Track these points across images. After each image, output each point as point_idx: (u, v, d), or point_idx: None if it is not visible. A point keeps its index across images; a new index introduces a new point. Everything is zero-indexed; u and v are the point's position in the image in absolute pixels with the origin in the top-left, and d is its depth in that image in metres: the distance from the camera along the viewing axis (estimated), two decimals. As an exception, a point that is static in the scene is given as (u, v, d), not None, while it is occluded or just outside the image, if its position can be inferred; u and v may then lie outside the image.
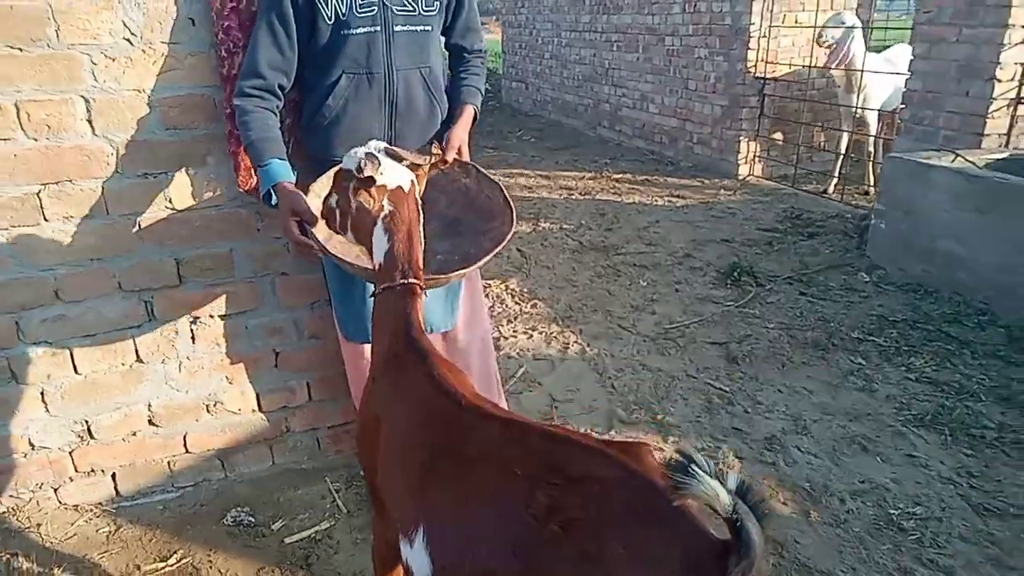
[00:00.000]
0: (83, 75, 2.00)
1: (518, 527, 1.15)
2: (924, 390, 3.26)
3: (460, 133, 2.12)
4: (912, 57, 5.21)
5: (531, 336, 3.97)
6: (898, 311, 4.05)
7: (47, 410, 2.34)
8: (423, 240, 1.75)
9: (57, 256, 2.17)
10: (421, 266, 1.70)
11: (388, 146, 1.78)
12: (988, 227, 3.98)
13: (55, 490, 2.45)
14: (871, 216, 4.94)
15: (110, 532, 2.43)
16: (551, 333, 3.99)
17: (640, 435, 3.00)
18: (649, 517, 1.05)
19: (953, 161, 4.37)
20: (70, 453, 2.42)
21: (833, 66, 6.24)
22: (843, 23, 6.05)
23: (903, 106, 5.36)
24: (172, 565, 2.29)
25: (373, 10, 1.97)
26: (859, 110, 6.29)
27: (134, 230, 2.22)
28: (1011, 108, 4.72)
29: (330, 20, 1.95)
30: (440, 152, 2.12)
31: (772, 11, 6.79)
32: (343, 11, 1.95)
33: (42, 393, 2.33)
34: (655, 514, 1.04)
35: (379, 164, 1.65)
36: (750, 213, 6.08)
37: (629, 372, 3.53)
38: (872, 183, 6.44)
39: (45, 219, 2.12)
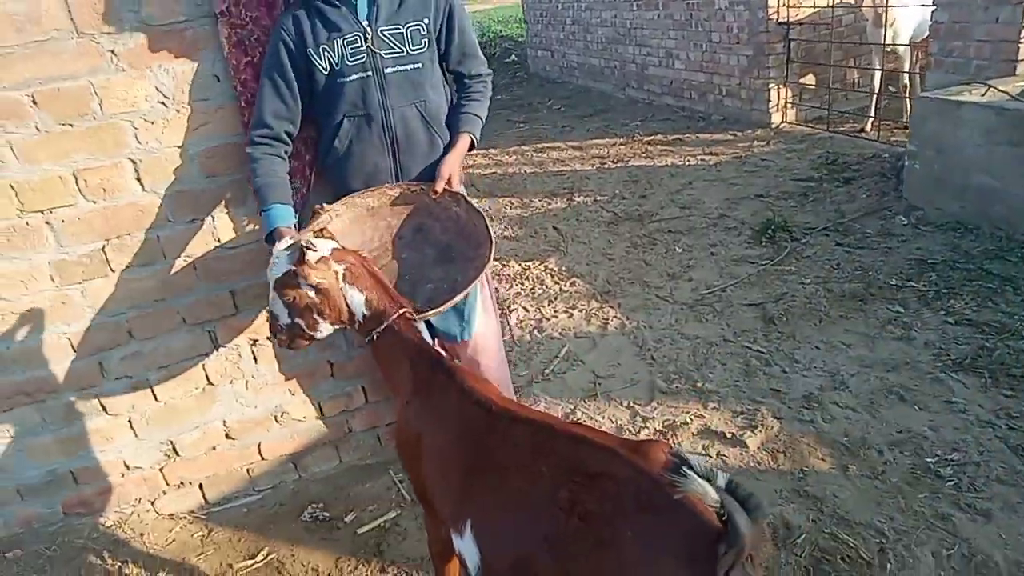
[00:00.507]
0: (128, 140, 2.21)
1: (547, 519, 1.32)
2: (964, 333, 3.28)
3: (451, 163, 2.23)
4: (937, -14, 5.06)
5: (571, 315, 4.11)
6: (937, 252, 4.04)
7: (136, 435, 2.61)
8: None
9: (126, 301, 2.41)
10: (400, 297, 1.87)
11: (286, 228, 2.05)
12: (1022, 159, 3.91)
13: (152, 503, 2.73)
14: (906, 156, 4.87)
15: (203, 536, 2.70)
16: (591, 310, 4.12)
17: (680, 404, 3.13)
18: (654, 508, 1.20)
19: (985, 94, 4.28)
20: (160, 470, 2.69)
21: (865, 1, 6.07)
22: None
23: (931, 39, 5.22)
24: (260, 562, 2.55)
25: (363, 58, 2.12)
26: (890, 45, 6.14)
27: (191, 270, 2.44)
28: (1045, 30, 4.56)
29: (325, 71, 2.12)
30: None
31: (792, -48, 6.63)
32: (336, 61, 2.11)
33: (129, 421, 2.60)
34: (659, 506, 1.20)
35: (311, 244, 1.77)
36: (784, 163, 6.03)
37: (668, 342, 3.65)
38: (910, 117, 6.29)
39: (111, 270, 2.36)
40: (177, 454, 2.69)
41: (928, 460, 2.59)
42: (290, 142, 2.21)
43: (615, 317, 4.00)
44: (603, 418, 3.13)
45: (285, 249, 1.83)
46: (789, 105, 7.17)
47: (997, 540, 2.24)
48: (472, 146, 2.34)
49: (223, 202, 2.40)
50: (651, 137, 7.51)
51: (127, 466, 2.65)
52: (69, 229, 2.26)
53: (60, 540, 2.63)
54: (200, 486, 2.77)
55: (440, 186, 2.19)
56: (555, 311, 4.19)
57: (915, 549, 2.24)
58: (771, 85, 7.03)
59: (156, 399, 2.58)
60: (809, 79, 7.15)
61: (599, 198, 5.94)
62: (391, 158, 2.24)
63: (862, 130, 6.45)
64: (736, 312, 3.83)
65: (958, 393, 2.91)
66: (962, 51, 4.94)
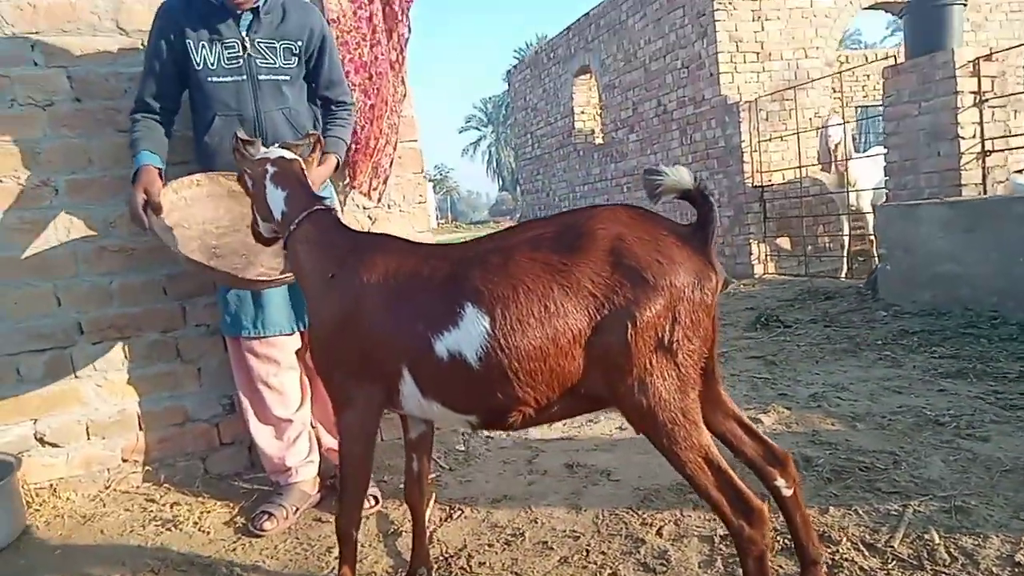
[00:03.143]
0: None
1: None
2: (948, 362, 3.63)
3: (319, 174, 2.41)
4: (885, 135, 6.04)
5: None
6: (917, 327, 4.47)
7: (200, 385, 2.83)
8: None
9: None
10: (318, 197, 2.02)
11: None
12: (978, 243, 4.51)
13: (203, 460, 2.85)
14: (878, 267, 5.48)
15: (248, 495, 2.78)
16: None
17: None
18: (644, 218, 1.59)
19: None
20: (216, 425, 2.86)
21: (838, 160, 6.97)
22: (840, 123, 6.95)
23: (887, 177, 6.09)
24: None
25: (239, 63, 2.38)
26: (855, 206, 7.03)
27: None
28: (979, 160, 5.43)
29: (198, 66, 2.35)
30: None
31: (759, 129, 7.82)
32: (211, 61, 2.36)
33: (199, 370, 2.83)
34: (647, 217, 1.60)
35: (248, 138, 2.03)
36: (771, 293, 6.63)
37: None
38: (875, 225, 6.98)
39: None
40: (234, 411, 2.87)
41: (928, 415, 2.84)
42: (171, 119, 2.46)
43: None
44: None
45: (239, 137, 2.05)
46: (769, 259, 7.95)
47: (997, 449, 2.45)
48: (338, 165, 2.58)
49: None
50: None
51: (188, 417, 2.82)
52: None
53: (114, 485, 2.72)
54: (249, 448, 2.90)
55: None
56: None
57: (925, 459, 2.44)
58: (752, 240, 7.86)
59: (225, 350, 2.82)
60: (784, 242, 8.02)
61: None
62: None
63: (837, 272, 7.15)
64: (740, 361, 4.16)
65: (948, 387, 3.21)
66: (914, 183, 5.77)
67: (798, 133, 7.64)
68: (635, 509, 2.33)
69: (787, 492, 1.73)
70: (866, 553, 1.92)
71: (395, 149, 3.06)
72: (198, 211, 2.42)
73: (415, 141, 3.17)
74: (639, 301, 1.48)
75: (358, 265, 1.77)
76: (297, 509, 2.50)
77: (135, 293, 2.75)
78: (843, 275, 7.07)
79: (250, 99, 2.41)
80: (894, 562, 1.86)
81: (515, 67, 15.01)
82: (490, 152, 46.39)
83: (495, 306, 1.54)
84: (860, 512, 2.13)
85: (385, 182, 3.04)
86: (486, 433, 3.29)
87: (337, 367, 1.77)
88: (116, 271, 2.72)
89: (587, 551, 2.12)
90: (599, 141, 11.70)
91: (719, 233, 7.84)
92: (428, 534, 2.29)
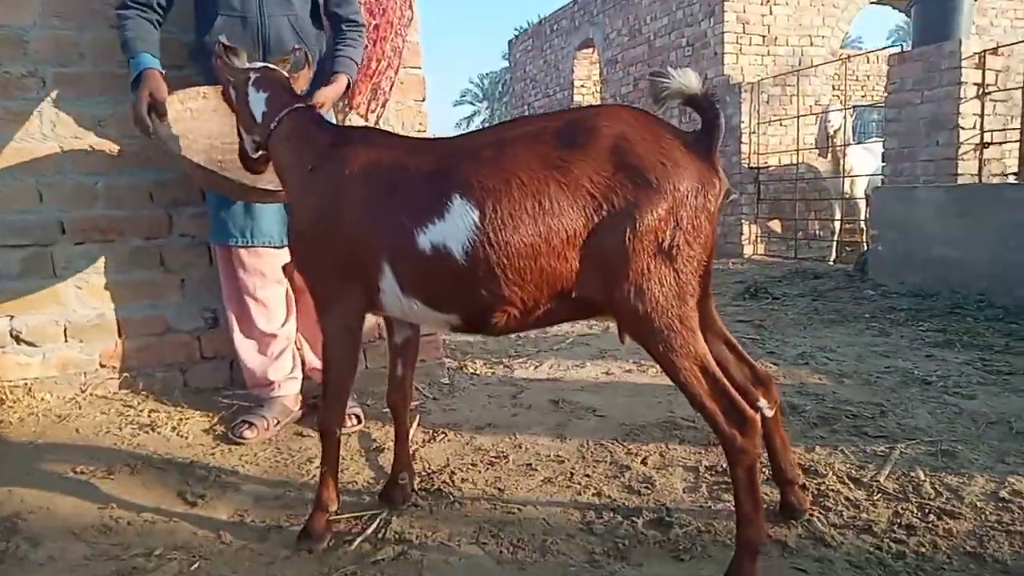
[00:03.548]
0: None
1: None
2: (935, 335, 3.64)
3: (327, 93, 2.36)
4: (886, 121, 6.03)
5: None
6: (905, 305, 4.47)
7: (183, 296, 2.76)
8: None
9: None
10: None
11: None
12: (972, 227, 4.52)
13: (183, 372, 2.79)
14: (868, 249, 5.49)
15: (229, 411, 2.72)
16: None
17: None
18: (649, 121, 1.54)
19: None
20: (198, 338, 2.80)
21: (836, 146, 6.98)
22: (840, 109, 6.95)
23: (884, 164, 6.10)
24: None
25: None
26: (848, 193, 7.04)
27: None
28: (977, 151, 5.44)
29: None
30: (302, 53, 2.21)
31: (759, 112, 7.80)
32: None
33: (182, 281, 2.76)
34: (651, 119, 1.55)
35: (229, 43, 1.98)
36: (759, 271, 6.62)
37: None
38: (870, 207, 7.02)
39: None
40: (217, 325, 2.81)
41: (916, 375, 2.84)
42: (163, 16, 2.36)
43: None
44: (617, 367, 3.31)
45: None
46: (759, 240, 7.96)
47: (984, 406, 2.46)
48: (348, 86, 2.48)
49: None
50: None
51: (169, 327, 2.76)
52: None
53: (91, 390, 2.66)
54: (231, 365, 2.84)
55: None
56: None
57: (912, 410, 2.45)
58: (743, 221, 7.86)
59: (211, 263, 2.76)
60: (775, 225, 8.03)
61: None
62: (260, 58, 2.25)
63: (825, 258, 7.17)
64: (728, 325, 4.12)
65: (935, 355, 3.22)
66: (910, 171, 5.78)
67: (798, 118, 7.63)
68: (620, 441, 2.31)
69: (768, 413, 1.72)
70: (851, 486, 1.91)
71: (396, 73, 2.98)
72: (203, 125, 2.36)
73: (419, 68, 3.10)
74: (640, 203, 1.44)
75: (339, 157, 1.71)
76: (278, 422, 2.46)
77: (121, 196, 2.67)
78: (831, 260, 7.09)
79: (255, 1, 2.35)
80: (879, 494, 1.85)
81: (517, 37, 14.84)
82: (483, 127, 46.20)
83: (486, 199, 1.49)
84: (846, 452, 2.13)
85: (384, 105, 2.97)
86: (471, 369, 3.25)
87: (318, 264, 1.72)
88: (102, 172, 2.64)
89: (571, 473, 2.09)
90: (597, 117, 11.61)
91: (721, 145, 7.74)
92: (411, 452, 2.27)
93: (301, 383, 2.61)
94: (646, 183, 1.44)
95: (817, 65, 8.11)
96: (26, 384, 2.60)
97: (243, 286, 2.46)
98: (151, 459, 2.20)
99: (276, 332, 2.52)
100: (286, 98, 1.91)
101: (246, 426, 2.37)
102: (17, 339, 2.59)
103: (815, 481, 1.93)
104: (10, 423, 2.43)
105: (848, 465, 2.03)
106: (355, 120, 2.97)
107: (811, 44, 8.51)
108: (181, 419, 2.50)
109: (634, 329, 1.50)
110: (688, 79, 1.47)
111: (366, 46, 2.86)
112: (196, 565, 1.64)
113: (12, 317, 2.58)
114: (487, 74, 46.92)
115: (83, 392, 2.65)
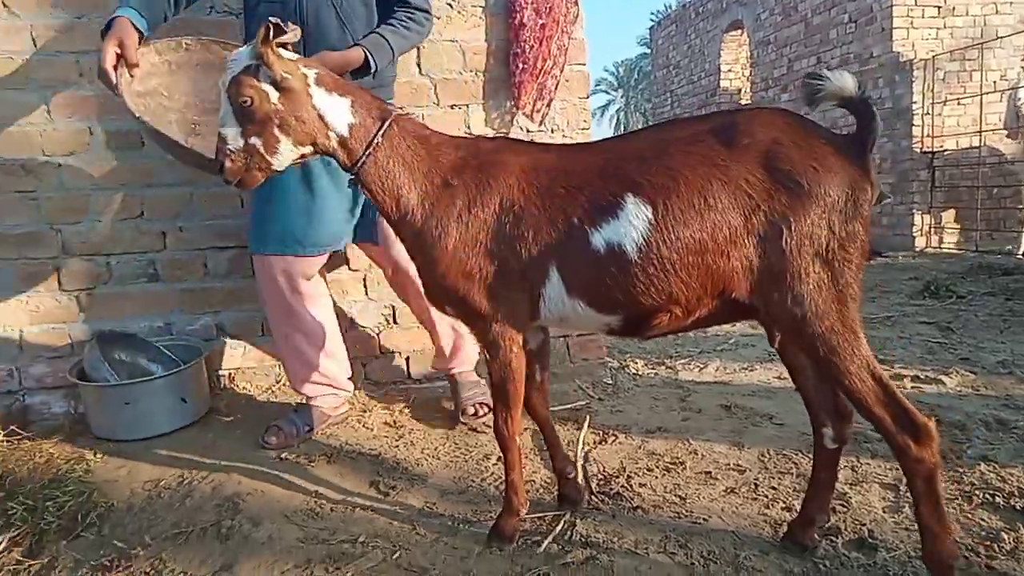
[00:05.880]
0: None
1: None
2: None
3: (329, 58, 1.99)
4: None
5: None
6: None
7: (367, 295, 2.92)
8: None
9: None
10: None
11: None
12: None
13: (364, 365, 2.96)
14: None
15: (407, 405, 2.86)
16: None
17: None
18: (801, 124, 1.52)
19: None
20: (378, 335, 2.95)
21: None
22: None
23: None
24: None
25: None
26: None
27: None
28: None
29: None
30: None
31: (934, 91, 7.14)
32: None
33: (363, 280, 2.92)
34: (804, 123, 1.53)
35: (281, 24, 1.53)
36: (934, 265, 6.10)
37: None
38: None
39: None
40: (396, 322, 2.95)
41: None
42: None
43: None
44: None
45: (249, 46, 1.58)
46: (933, 231, 7.32)
47: (989, 353, 2.12)
48: (366, 64, 2.09)
49: (479, 95, 2.92)
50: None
51: (353, 324, 2.92)
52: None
53: (284, 381, 2.88)
54: (408, 359, 2.98)
55: None
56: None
57: None
58: (915, 210, 7.25)
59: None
60: (949, 215, 7.33)
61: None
62: (302, 49, 2.02)
63: (1012, 251, 6.47)
64: (909, 326, 3.85)
65: None
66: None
67: (980, 96, 6.92)
68: (804, 452, 2.20)
69: (831, 446, 1.69)
70: (1087, 517, 1.71)
71: (562, 71, 2.99)
72: (183, 80, 2.15)
73: (583, 64, 3.09)
74: (793, 207, 1.45)
75: (486, 167, 1.67)
76: (310, 428, 2.44)
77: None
78: (1020, 254, 6.39)
79: None
80: (1124, 530, 1.65)
81: (659, 23, 14.48)
82: (619, 116, 45.39)
83: (657, 196, 1.52)
84: (1074, 477, 1.91)
85: (549, 104, 3.00)
86: (632, 369, 3.22)
87: (473, 284, 1.65)
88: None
89: (755, 484, 2.03)
90: (745, 100, 11.13)
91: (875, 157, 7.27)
92: (584, 453, 2.29)
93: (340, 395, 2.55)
94: (797, 187, 1.45)
95: (1004, 37, 7.31)
96: (229, 373, 2.86)
97: (286, 292, 2.34)
98: (343, 449, 2.35)
99: (320, 342, 2.43)
100: (377, 103, 1.71)
101: (273, 432, 2.38)
102: (221, 331, 2.84)
103: (1041, 509, 1.75)
104: (220, 408, 2.68)
105: (1079, 493, 1.83)
106: (521, 121, 3.01)
107: (996, 12, 7.67)
108: (364, 411, 2.66)
109: (793, 333, 1.49)
110: (844, 81, 1.45)
111: (532, 46, 2.89)
112: (397, 555, 1.74)
113: (218, 312, 2.84)
114: (622, 61, 46.25)
115: (277, 383, 2.87)
